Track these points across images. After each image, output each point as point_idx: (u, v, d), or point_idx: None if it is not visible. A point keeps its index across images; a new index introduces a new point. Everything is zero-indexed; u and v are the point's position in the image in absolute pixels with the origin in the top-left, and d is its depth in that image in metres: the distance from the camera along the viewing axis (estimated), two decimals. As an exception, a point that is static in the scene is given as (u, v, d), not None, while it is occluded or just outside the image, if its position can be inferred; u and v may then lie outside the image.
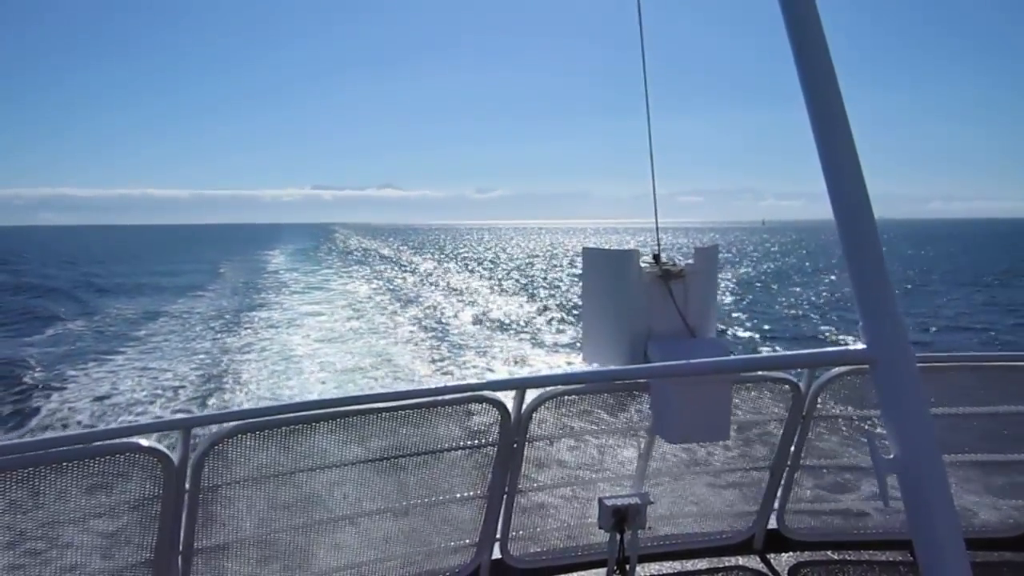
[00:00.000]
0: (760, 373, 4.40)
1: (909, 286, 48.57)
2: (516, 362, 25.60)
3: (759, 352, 25.45)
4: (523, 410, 3.97)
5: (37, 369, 22.80)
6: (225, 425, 3.50)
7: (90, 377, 22.03)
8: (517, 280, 60.71)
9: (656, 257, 3.92)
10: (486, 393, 3.96)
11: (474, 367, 24.54)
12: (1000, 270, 63.32)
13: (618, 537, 3.99)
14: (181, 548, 3.49)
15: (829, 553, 4.77)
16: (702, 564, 4.66)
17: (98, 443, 3.28)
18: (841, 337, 30.19)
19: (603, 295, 4.08)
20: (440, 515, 4.17)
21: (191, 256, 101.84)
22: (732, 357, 3.53)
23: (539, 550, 4.42)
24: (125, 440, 3.29)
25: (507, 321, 35.63)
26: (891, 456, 2.00)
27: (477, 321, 35.57)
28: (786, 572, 4.64)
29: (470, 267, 77.98)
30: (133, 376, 22.15)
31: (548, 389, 4.07)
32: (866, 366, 2.11)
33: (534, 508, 4.39)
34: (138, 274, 67.28)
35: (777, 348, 28.21)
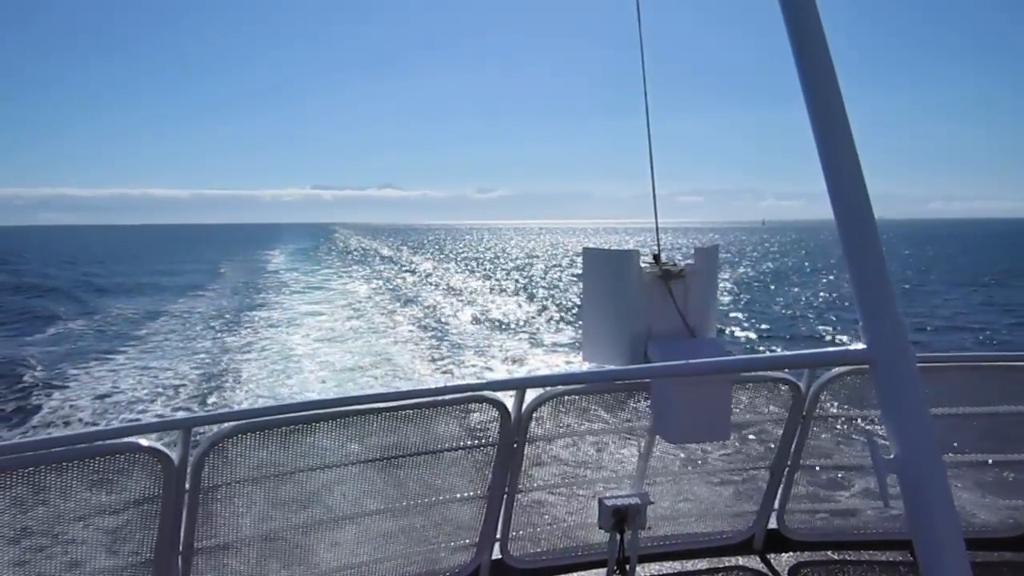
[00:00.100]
0: (760, 373, 4.40)
1: (907, 286, 48.59)
2: (514, 361, 25.63)
3: (759, 352, 25.45)
4: (523, 410, 3.97)
5: (38, 368, 22.84)
6: (225, 425, 3.50)
7: (91, 376, 22.10)
8: (517, 280, 60.73)
9: (656, 257, 3.92)
10: (486, 393, 3.96)
11: (473, 366, 24.57)
12: (998, 270, 63.32)
13: (618, 537, 3.99)
14: (181, 548, 3.49)
15: (829, 553, 4.77)
16: (702, 564, 4.66)
17: (98, 443, 3.28)
18: (839, 336, 30.26)
19: (603, 295, 4.08)
20: (440, 515, 4.17)
21: (191, 256, 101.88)
22: (732, 357, 3.53)
23: (539, 550, 4.42)
24: (125, 440, 3.29)
25: (506, 321, 35.65)
26: (891, 456, 2.00)
27: (476, 321, 35.59)
28: (786, 572, 4.64)
29: (470, 267, 78.01)
30: (134, 375, 22.23)
31: (548, 389, 4.07)
32: (866, 366, 2.11)
33: (534, 508, 4.39)
34: (138, 274, 67.31)
35: (774, 348, 28.24)
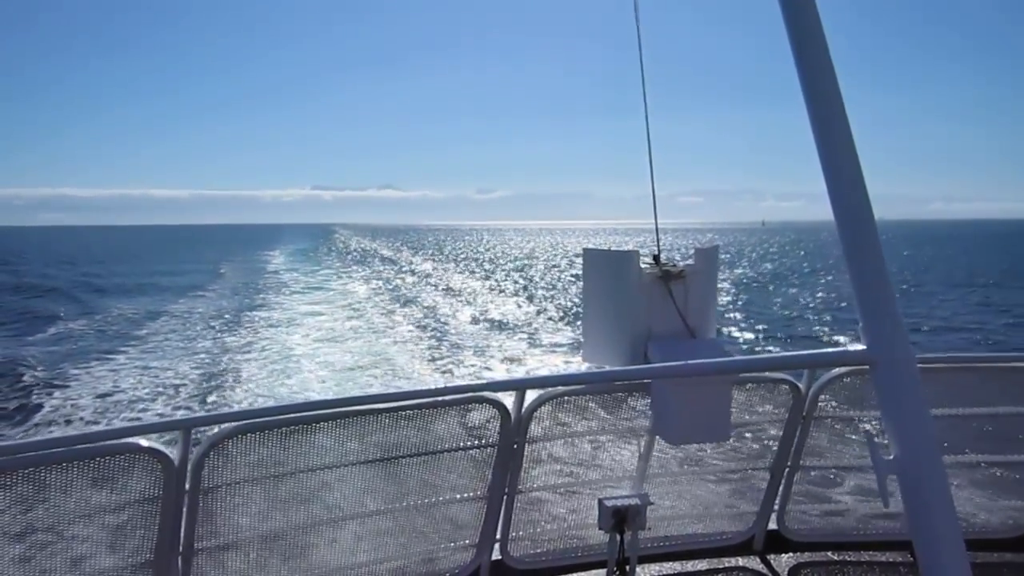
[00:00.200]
0: (760, 374, 4.40)
1: (905, 286, 48.63)
2: (513, 361, 25.66)
3: (759, 353, 25.46)
4: (523, 411, 3.97)
5: (39, 368, 22.90)
6: (225, 425, 3.50)
7: (92, 376, 22.18)
8: (516, 281, 60.75)
9: (656, 258, 3.92)
10: (486, 394, 3.95)
11: (472, 366, 24.60)
12: (996, 271, 63.35)
13: (618, 538, 3.99)
14: (181, 548, 3.49)
15: (829, 554, 4.77)
16: (702, 565, 4.66)
17: (99, 443, 3.28)
18: (836, 336, 30.29)
19: (603, 296, 4.09)
20: (440, 515, 4.16)
21: (191, 256, 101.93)
22: (732, 358, 3.53)
23: (539, 551, 4.42)
24: (125, 440, 3.29)
25: (505, 321, 35.66)
26: (891, 457, 2.00)
27: (475, 321, 35.61)
28: (786, 573, 4.64)
29: (470, 268, 78.02)
30: (135, 375, 22.30)
31: (548, 390, 4.07)
32: (866, 367, 2.11)
33: (534, 509, 4.38)
34: (138, 274, 67.34)
35: (771, 349, 28.25)
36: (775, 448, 4.57)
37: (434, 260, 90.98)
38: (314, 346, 27.53)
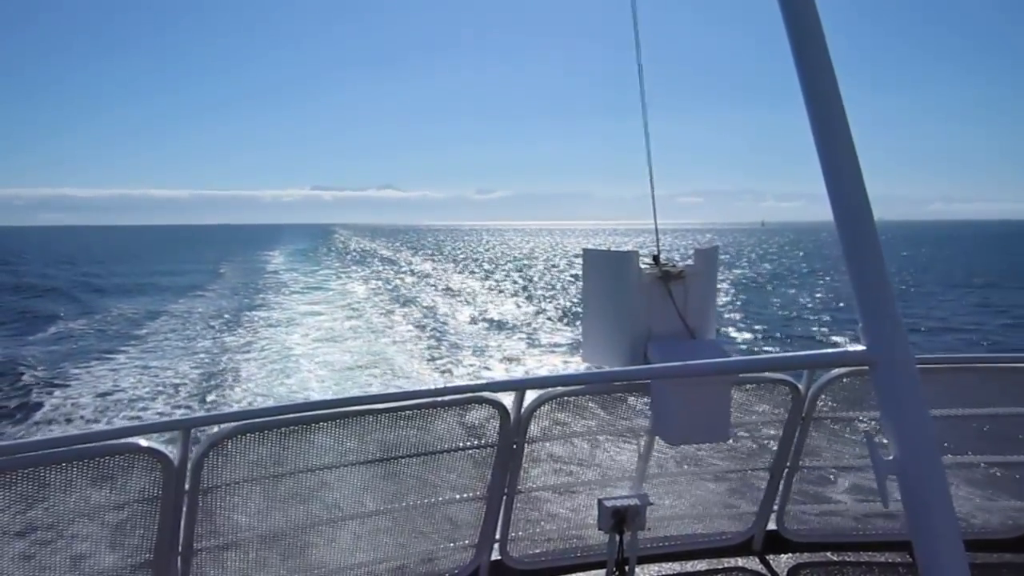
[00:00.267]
0: (759, 374, 4.40)
1: (903, 287, 48.69)
2: (511, 360, 25.69)
3: (758, 353, 25.49)
4: (523, 411, 3.97)
5: (39, 367, 22.94)
6: (225, 425, 3.50)
7: (92, 375, 22.22)
8: (515, 281, 60.76)
9: (656, 258, 3.92)
10: (486, 394, 3.95)
11: (471, 365, 24.63)
12: (995, 272, 63.39)
13: (617, 538, 3.99)
14: (180, 548, 3.49)
15: (828, 554, 4.77)
16: (701, 565, 4.66)
17: (98, 443, 3.28)
18: (835, 337, 30.32)
19: (603, 296, 4.09)
20: (439, 516, 4.16)
21: (191, 256, 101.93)
22: (732, 358, 3.53)
23: (538, 551, 4.42)
24: (125, 440, 3.29)
25: (504, 321, 35.67)
26: (890, 457, 2.00)
27: (474, 321, 35.63)
28: (785, 573, 4.64)
29: (469, 268, 78.03)
30: (135, 374, 22.35)
31: (548, 390, 4.07)
32: (866, 367, 2.11)
33: (533, 509, 4.38)
34: (138, 274, 67.35)
35: (769, 349, 28.27)
36: (774, 448, 4.58)
37: (433, 260, 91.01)
38: (313, 346, 27.55)
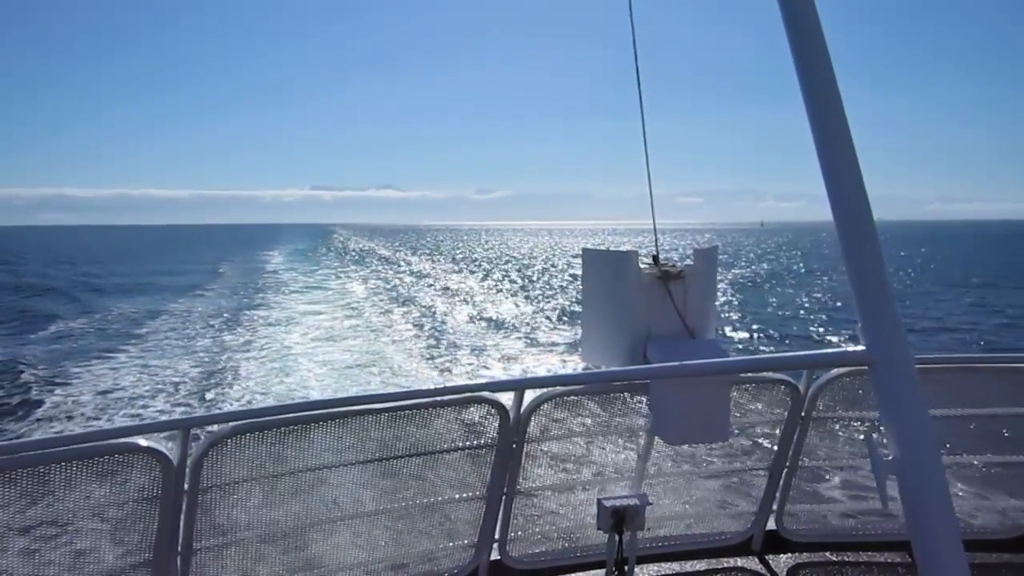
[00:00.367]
0: (759, 374, 4.40)
1: (899, 287, 48.74)
2: (510, 359, 25.72)
3: (757, 353, 25.48)
4: (522, 411, 3.96)
5: (40, 366, 23.02)
6: (224, 425, 3.50)
7: (93, 373, 22.30)
8: (515, 281, 60.77)
9: (655, 258, 3.92)
10: (485, 394, 3.95)
11: (469, 364, 24.69)
12: (992, 272, 63.46)
13: (617, 538, 3.99)
14: (180, 548, 3.49)
15: (828, 554, 4.77)
16: (701, 565, 4.66)
17: (97, 442, 3.28)
18: (834, 337, 30.38)
19: (602, 296, 4.09)
20: (439, 515, 4.16)
21: (191, 256, 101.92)
22: (731, 358, 3.53)
23: (538, 551, 4.42)
24: (124, 440, 3.29)
25: (504, 321, 35.68)
26: (890, 457, 2.00)
27: (473, 320, 35.64)
28: (784, 573, 4.64)
29: (469, 268, 78.05)
30: (135, 373, 22.43)
31: (547, 390, 4.07)
32: (865, 367, 2.11)
33: (533, 509, 4.38)
34: (138, 274, 67.36)
35: (765, 349, 28.28)
36: (774, 448, 4.58)
37: (432, 260, 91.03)
38: (312, 345, 27.62)
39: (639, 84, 3.64)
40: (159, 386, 20.40)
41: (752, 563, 4.72)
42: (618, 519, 3.93)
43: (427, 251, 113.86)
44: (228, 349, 26.40)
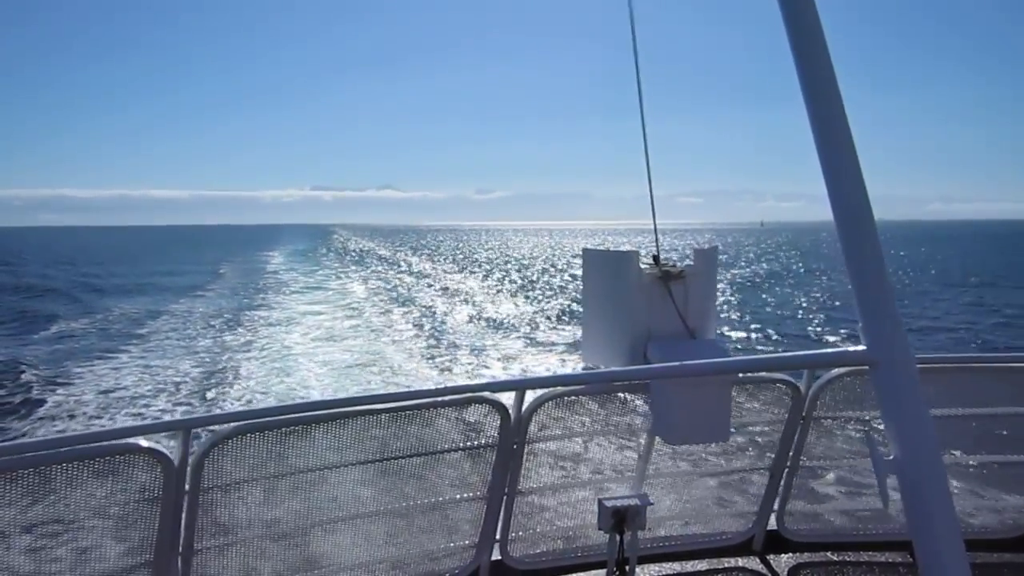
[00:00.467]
0: (760, 374, 4.40)
1: (898, 287, 48.73)
2: (510, 359, 25.73)
3: (758, 353, 25.49)
4: (523, 411, 3.97)
5: (43, 366, 23.09)
6: (225, 426, 3.50)
7: (95, 373, 22.38)
8: (514, 281, 60.79)
9: (656, 258, 3.92)
10: (486, 394, 3.95)
11: (469, 363, 24.72)
12: (991, 272, 63.45)
13: (617, 538, 3.99)
14: (181, 549, 3.49)
15: (829, 554, 4.77)
16: (701, 565, 4.66)
17: (98, 443, 3.28)
18: (833, 336, 30.41)
19: (603, 296, 4.09)
20: (439, 516, 4.16)
21: (191, 257, 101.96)
22: (732, 358, 3.53)
23: (538, 551, 4.42)
24: (125, 441, 3.29)
25: (503, 321, 35.69)
26: (891, 457, 2.00)
27: (473, 320, 35.65)
28: (785, 573, 4.64)
29: (469, 268, 78.07)
30: (136, 373, 22.51)
31: (548, 390, 4.07)
32: (866, 367, 2.11)
33: (533, 509, 4.38)
34: (138, 274, 67.40)
35: (762, 348, 28.29)
36: (775, 448, 4.58)
37: (432, 260, 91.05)
38: (313, 345, 27.65)
39: (639, 84, 3.64)
40: (160, 386, 20.47)
41: (753, 563, 4.72)
42: (619, 519, 3.93)
43: (427, 252, 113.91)
44: (229, 349, 26.44)
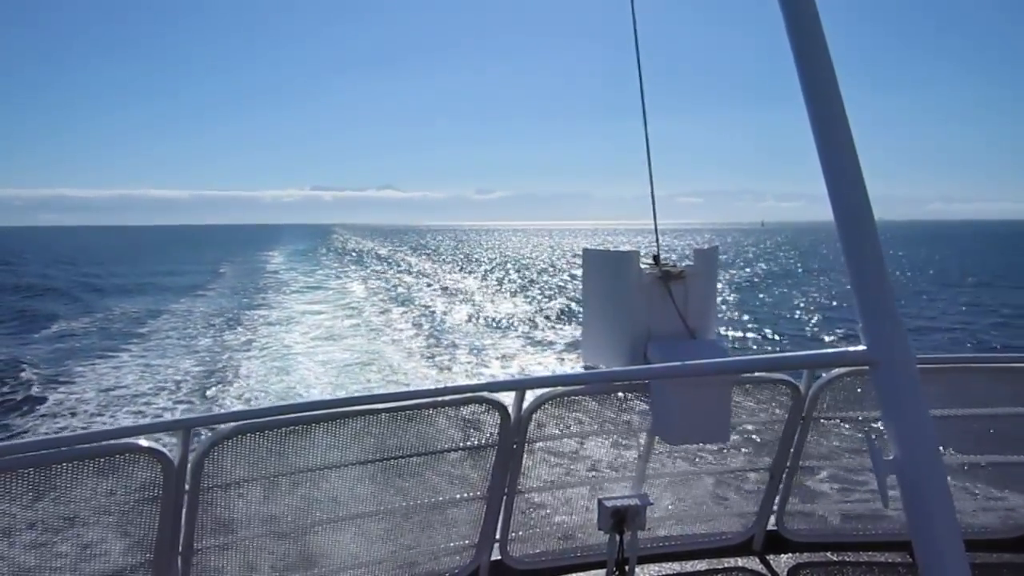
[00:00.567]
0: (760, 375, 4.40)
1: (895, 287, 48.65)
2: (510, 359, 25.74)
3: (758, 353, 25.48)
4: (523, 411, 3.97)
5: (44, 365, 23.15)
6: (225, 425, 3.50)
7: (96, 372, 22.45)
8: (514, 281, 60.79)
9: (656, 258, 3.92)
10: (486, 394, 3.95)
11: (468, 363, 24.73)
12: (989, 272, 63.44)
13: (617, 538, 3.99)
14: (181, 548, 3.49)
15: (828, 554, 4.77)
16: (701, 565, 4.66)
17: (98, 443, 3.28)
18: (832, 337, 30.43)
19: (603, 296, 4.09)
20: (440, 516, 4.16)
21: (191, 257, 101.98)
22: (732, 358, 3.53)
23: (538, 551, 4.42)
24: (125, 440, 3.29)
25: (503, 320, 35.69)
26: (891, 457, 2.00)
27: (473, 320, 35.66)
28: (785, 573, 4.64)
29: (469, 268, 78.08)
30: (137, 371, 22.58)
31: (548, 390, 4.07)
32: (866, 367, 2.11)
33: (534, 509, 4.39)
34: (138, 274, 67.42)
35: (768, 348, 28.29)
36: (775, 449, 4.58)
37: (432, 260, 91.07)
38: (312, 344, 27.66)
39: (641, 84, 3.64)
40: (161, 384, 20.53)
41: (753, 563, 4.72)
42: (619, 519, 3.94)
43: (427, 252, 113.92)
44: (229, 348, 26.47)
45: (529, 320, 35.85)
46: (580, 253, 4.38)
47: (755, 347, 29.50)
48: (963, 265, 73.45)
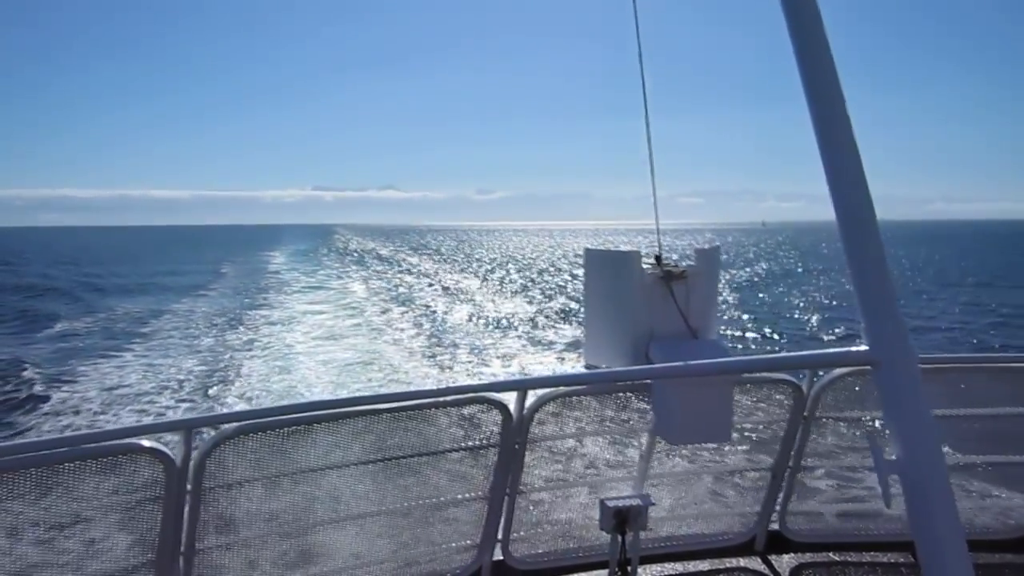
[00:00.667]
0: (761, 374, 4.40)
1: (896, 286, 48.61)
2: (511, 359, 25.74)
3: (760, 353, 25.46)
4: (524, 411, 3.97)
5: (48, 364, 23.24)
6: (227, 426, 3.50)
7: (99, 371, 22.51)
8: (514, 281, 60.79)
9: (658, 258, 3.92)
10: (488, 394, 3.95)
11: (469, 362, 24.74)
12: (989, 272, 63.38)
13: (619, 538, 3.99)
14: (183, 548, 3.49)
15: (830, 554, 4.77)
16: (703, 565, 4.66)
17: (100, 443, 3.28)
18: (833, 336, 30.42)
19: (605, 296, 4.09)
20: (441, 516, 4.16)
21: (193, 257, 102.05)
22: (734, 358, 3.53)
23: (540, 551, 4.42)
24: (127, 441, 3.30)
25: (504, 320, 35.69)
26: (893, 457, 1.99)
27: (474, 320, 35.66)
28: (787, 573, 4.63)
29: (469, 268, 78.07)
30: (140, 370, 22.64)
31: (550, 390, 4.07)
32: (868, 367, 2.11)
33: (535, 509, 4.39)
34: (139, 274, 67.51)
35: (769, 348, 28.29)
36: (776, 449, 4.58)
37: (433, 260, 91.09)
38: (314, 344, 27.68)
39: (643, 84, 3.64)
40: (164, 383, 20.60)
41: (755, 563, 4.72)
42: (620, 519, 3.94)
43: (428, 252, 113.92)
44: (231, 348, 26.52)
45: (530, 320, 35.86)
46: (581, 253, 4.38)
47: (756, 347, 29.49)
48: (963, 265, 73.40)
